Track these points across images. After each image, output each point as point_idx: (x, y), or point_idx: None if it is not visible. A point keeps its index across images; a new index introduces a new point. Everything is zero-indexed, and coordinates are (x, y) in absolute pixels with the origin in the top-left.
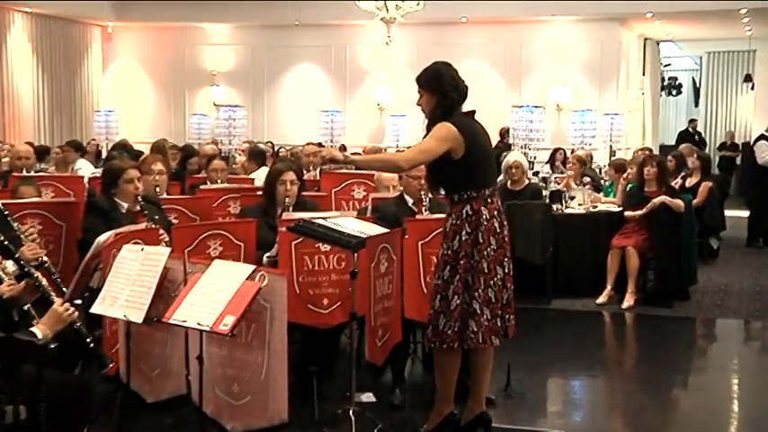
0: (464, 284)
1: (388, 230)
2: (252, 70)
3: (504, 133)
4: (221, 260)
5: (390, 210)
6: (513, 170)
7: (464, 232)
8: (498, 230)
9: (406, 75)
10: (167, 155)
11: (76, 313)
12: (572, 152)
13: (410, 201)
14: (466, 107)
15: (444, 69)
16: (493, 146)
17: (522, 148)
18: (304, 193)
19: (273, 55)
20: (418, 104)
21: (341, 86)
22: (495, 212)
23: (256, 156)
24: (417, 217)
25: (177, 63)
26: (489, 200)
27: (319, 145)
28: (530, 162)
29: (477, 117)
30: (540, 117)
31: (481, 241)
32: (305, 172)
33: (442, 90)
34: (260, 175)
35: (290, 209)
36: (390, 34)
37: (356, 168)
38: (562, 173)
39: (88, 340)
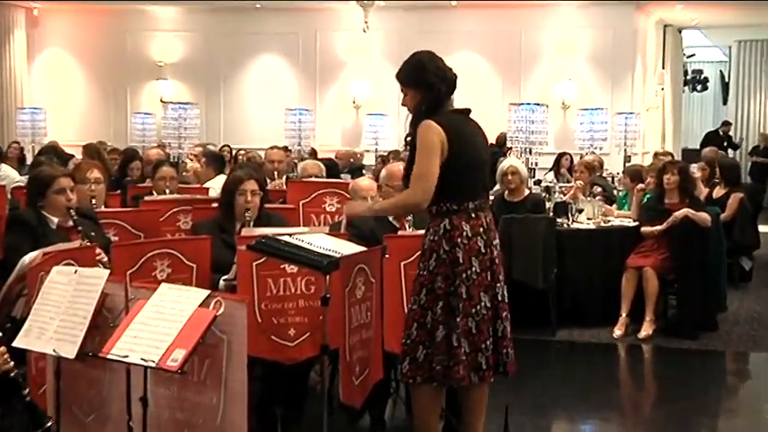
0: (447, 312)
1: (365, 249)
2: (205, 61)
3: (503, 142)
4: (169, 284)
5: (368, 225)
6: (510, 177)
7: (441, 251)
8: (483, 251)
9: (386, 68)
10: (105, 160)
11: (12, 362)
12: (580, 157)
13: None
14: (458, 104)
15: (428, 59)
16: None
17: (521, 152)
18: (267, 206)
19: (231, 44)
20: (403, 105)
21: (310, 81)
22: (481, 229)
23: (213, 161)
24: (399, 233)
25: (117, 52)
26: (473, 214)
27: (285, 149)
28: (530, 169)
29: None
30: (542, 117)
31: (461, 262)
32: (268, 180)
33: (426, 83)
34: (216, 185)
35: (251, 224)
36: (368, 20)
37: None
38: (568, 181)
39: (25, 392)
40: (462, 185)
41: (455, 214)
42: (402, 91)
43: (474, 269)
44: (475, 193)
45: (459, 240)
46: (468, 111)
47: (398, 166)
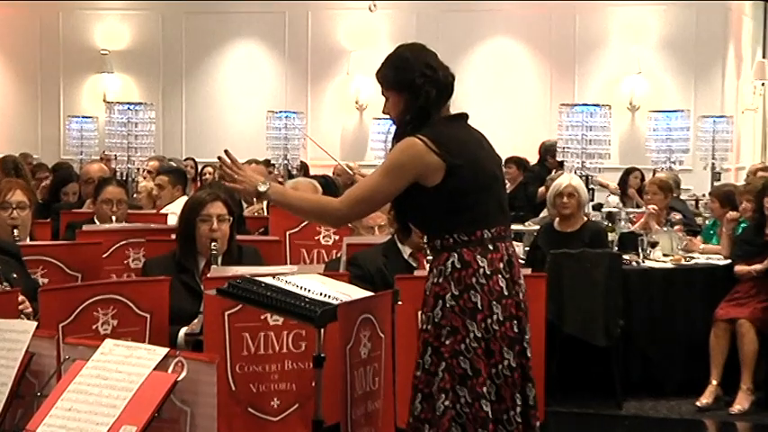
0: (453, 376)
1: (371, 294)
2: (163, 50)
3: (547, 151)
4: (116, 340)
5: (375, 263)
6: (565, 200)
7: (449, 296)
8: (506, 292)
9: None
10: (28, 177)
11: None
12: (652, 174)
13: (405, 249)
14: (492, 106)
15: (414, 54)
16: (530, 166)
17: (574, 168)
18: (241, 237)
19: (196, 27)
20: (384, 113)
21: (300, 75)
22: (501, 264)
23: (175, 178)
24: (416, 273)
25: (47, 38)
26: (491, 245)
27: (267, 164)
28: (588, 189)
29: (508, 120)
30: (603, 121)
31: (480, 308)
32: (244, 204)
33: (410, 85)
34: (177, 209)
35: (219, 260)
36: None
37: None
38: (638, 206)
39: None
40: (472, 210)
41: (465, 247)
42: (383, 94)
43: (496, 317)
44: (490, 217)
45: (473, 280)
46: (465, 116)
47: None
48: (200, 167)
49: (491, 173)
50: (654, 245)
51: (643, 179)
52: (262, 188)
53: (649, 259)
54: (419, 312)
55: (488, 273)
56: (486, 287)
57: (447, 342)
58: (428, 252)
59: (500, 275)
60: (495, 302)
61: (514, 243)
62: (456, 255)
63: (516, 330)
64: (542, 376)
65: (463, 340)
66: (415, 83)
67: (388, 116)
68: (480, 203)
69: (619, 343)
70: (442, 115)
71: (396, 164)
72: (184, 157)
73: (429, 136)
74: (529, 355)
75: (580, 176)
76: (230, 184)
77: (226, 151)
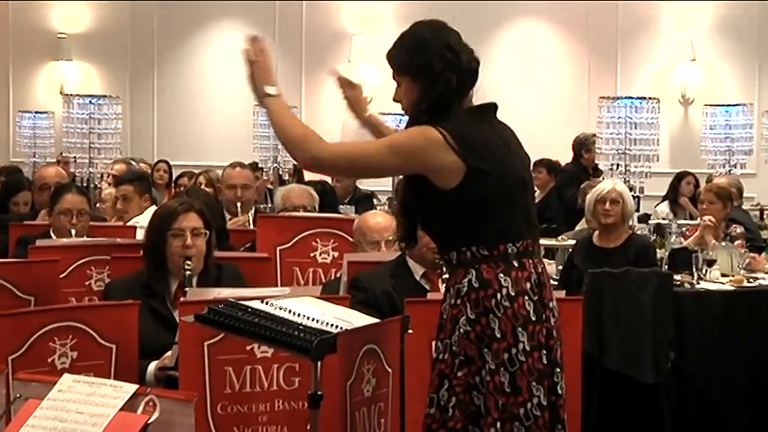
0: (466, 415)
1: (376, 321)
2: (131, 34)
3: (582, 145)
4: (76, 375)
5: (382, 285)
6: (608, 207)
7: (463, 319)
8: (534, 317)
9: None
10: None
11: None
12: (708, 180)
13: (417, 269)
14: (519, 97)
15: (433, 33)
16: (561, 167)
17: (615, 172)
18: (227, 254)
19: (170, 8)
20: (395, 101)
21: (293, 64)
22: (528, 284)
23: (141, 186)
24: (429, 296)
25: None
26: (516, 262)
27: (254, 168)
28: (634, 197)
29: (538, 117)
30: (650, 117)
31: (498, 336)
32: (228, 216)
33: (427, 70)
34: (147, 221)
35: (194, 281)
36: None
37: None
38: (692, 217)
39: None
40: (495, 220)
41: (485, 263)
42: (394, 79)
43: (522, 346)
44: (516, 230)
45: (492, 303)
46: (494, 107)
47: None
48: (174, 172)
49: (519, 178)
50: (711, 263)
51: (697, 185)
52: (269, 90)
53: (705, 280)
54: (433, 342)
55: (512, 294)
56: (509, 311)
57: (459, 374)
58: (443, 269)
59: (526, 297)
60: (520, 329)
61: (546, 261)
62: (474, 272)
63: (546, 362)
64: (579, 418)
65: (478, 372)
66: (433, 67)
67: (398, 104)
68: (505, 213)
69: (669, 379)
70: (464, 107)
71: (405, 143)
72: (156, 160)
73: (449, 130)
74: (560, 391)
75: (624, 182)
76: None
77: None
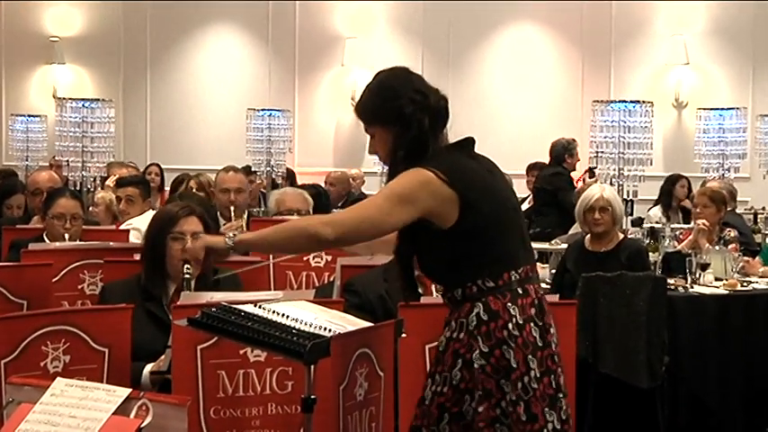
0: None
1: (370, 324)
2: (124, 37)
3: (565, 149)
4: (68, 379)
5: (376, 289)
6: (597, 215)
7: (476, 354)
8: (541, 342)
9: (401, 49)
10: None
11: None
12: (702, 184)
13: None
14: (512, 101)
15: (398, 79)
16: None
17: (609, 177)
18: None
19: (163, 11)
20: (372, 153)
21: (286, 67)
22: (533, 310)
23: (145, 190)
24: (423, 301)
25: None
26: (520, 289)
27: (247, 171)
28: (626, 201)
29: (531, 120)
30: (644, 121)
31: (514, 366)
32: (221, 219)
33: (399, 115)
34: (142, 225)
35: (192, 285)
36: None
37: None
38: (686, 221)
39: None
40: (495, 249)
41: (492, 294)
42: (366, 131)
43: (533, 373)
44: (516, 256)
45: (504, 334)
46: (472, 142)
47: None
48: (166, 175)
49: (509, 203)
50: (704, 267)
51: (690, 189)
52: (228, 242)
53: (699, 284)
54: (426, 345)
55: (521, 322)
56: (519, 339)
57: (480, 409)
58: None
59: (532, 324)
60: (530, 356)
61: (539, 265)
62: (481, 305)
63: (554, 387)
64: (574, 424)
65: (498, 404)
66: (404, 112)
67: (375, 156)
68: (502, 241)
69: (664, 384)
70: (441, 145)
71: (405, 190)
72: (148, 163)
73: (436, 166)
74: (564, 417)
75: (618, 186)
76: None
77: None
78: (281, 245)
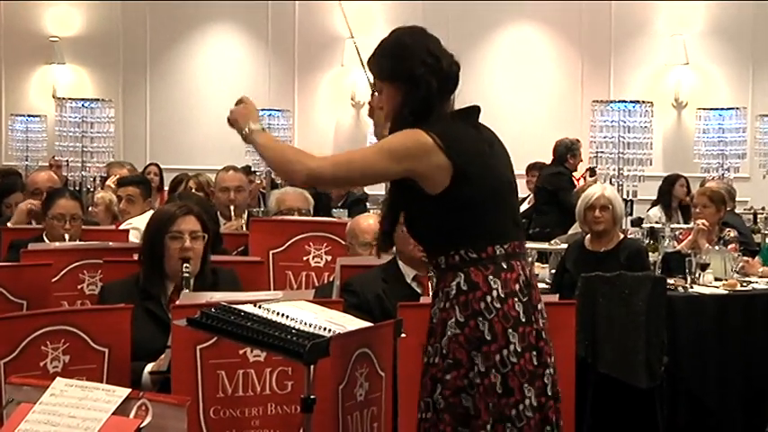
0: (455, 417)
1: (369, 324)
2: (123, 37)
3: (568, 149)
4: (68, 379)
5: (373, 288)
6: (598, 214)
7: (452, 322)
8: (524, 318)
9: None
10: None
11: None
12: (702, 184)
13: (408, 272)
14: (512, 100)
15: (413, 39)
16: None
17: (609, 176)
18: (220, 258)
19: (162, 11)
20: (375, 108)
21: (286, 67)
22: (517, 286)
23: (146, 190)
24: (422, 300)
25: None
26: (505, 264)
27: (246, 171)
28: (626, 201)
29: (531, 120)
30: (644, 121)
31: (488, 338)
32: (221, 219)
33: (410, 75)
34: (142, 225)
35: (191, 284)
36: None
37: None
38: (686, 221)
39: None
40: (483, 222)
41: (474, 265)
42: (372, 87)
43: (513, 347)
44: (504, 232)
45: (481, 306)
46: (477, 110)
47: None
48: (165, 175)
49: (505, 178)
50: (704, 267)
51: (689, 189)
52: (254, 126)
53: (699, 284)
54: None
55: (502, 296)
56: (500, 312)
57: (448, 377)
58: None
59: (516, 299)
60: (511, 330)
61: (539, 265)
62: (463, 275)
63: (536, 363)
64: (572, 423)
65: (466, 375)
66: (415, 73)
67: (371, 115)
68: (492, 215)
69: (663, 383)
70: (446, 111)
71: (398, 145)
72: (147, 163)
73: (437, 132)
74: (549, 392)
75: (617, 186)
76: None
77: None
78: (275, 166)
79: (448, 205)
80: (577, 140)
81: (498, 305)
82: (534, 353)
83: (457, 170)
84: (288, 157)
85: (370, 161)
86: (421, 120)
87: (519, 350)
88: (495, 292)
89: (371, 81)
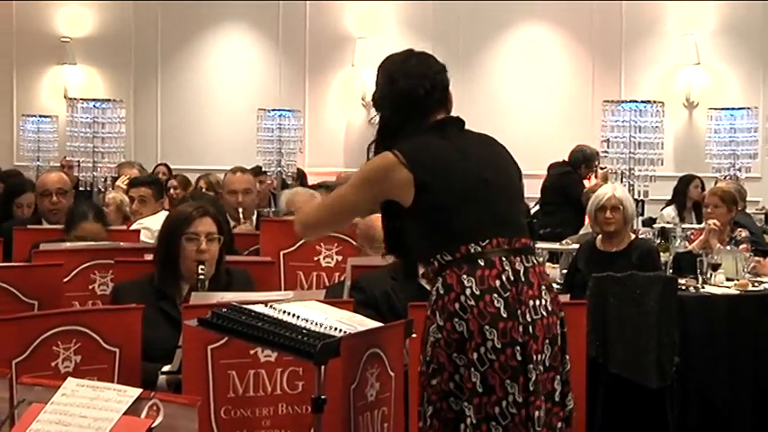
0: (444, 423)
1: (380, 324)
2: (135, 38)
3: (586, 158)
4: (79, 379)
5: (382, 285)
6: (609, 214)
7: (433, 327)
8: (505, 313)
9: (414, 46)
10: None
11: None
12: (715, 183)
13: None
14: (523, 99)
15: (382, 67)
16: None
17: (621, 176)
18: (231, 258)
19: (173, 11)
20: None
21: (296, 67)
22: (498, 282)
23: (158, 190)
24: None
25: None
26: (481, 261)
27: (257, 171)
28: (637, 201)
29: (541, 120)
30: (655, 121)
31: (466, 337)
32: (231, 220)
33: (376, 101)
34: (153, 225)
35: (206, 285)
36: None
37: None
38: (699, 221)
39: None
40: (450, 225)
41: (449, 267)
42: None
43: (491, 344)
44: (480, 230)
45: (455, 307)
46: (455, 120)
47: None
48: (174, 176)
49: (480, 179)
50: (715, 267)
51: (702, 189)
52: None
53: (710, 284)
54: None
55: (477, 293)
56: (475, 310)
57: (433, 382)
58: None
59: (495, 295)
60: (488, 327)
61: (550, 265)
62: (441, 279)
63: (519, 359)
64: (583, 423)
65: (452, 378)
66: (375, 99)
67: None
68: (463, 216)
69: (674, 384)
70: (418, 125)
71: (363, 174)
72: (157, 163)
73: (400, 149)
74: (531, 388)
75: (628, 186)
76: None
77: None
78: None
79: (418, 215)
80: (597, 153)
81: (473, 302)
82: (518, 348)
83: (417, 181)
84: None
85: (347, 196)
86: (387, 141)
87: (499, 346)
88: (468, 290)
89: None
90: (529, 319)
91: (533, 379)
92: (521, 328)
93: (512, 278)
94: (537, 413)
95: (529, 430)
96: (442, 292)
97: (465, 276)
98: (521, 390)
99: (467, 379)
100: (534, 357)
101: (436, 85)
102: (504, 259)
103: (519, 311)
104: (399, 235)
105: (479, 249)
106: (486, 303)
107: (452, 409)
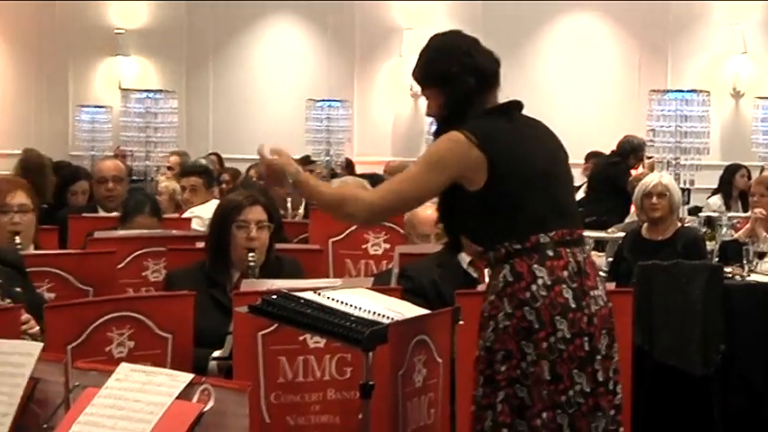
0: (512, 408)
1: (427, 312)
2: (187, 29)
3: (634, 149)
4: (132, 364)
5: (429, 274)
6: (655, 201)
7: (501, 315)
8: (574, 304)
9: None
10: (47, 178)
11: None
12: (761, 172)
13: (464, 257)
14: (568, 88)
15: (448, 41)
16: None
17: (667, 165)
18: (280, 246)
19: (224, 4)
20: (428, 115)
21: (345, 58)
22: (565, 273)
23: (209, 179)
24: (480, 288)
25: (51, 16)
26: (551, 251)
27: (306, 160)
28: (683, 190)
29: (588, 109)
30: (701, 110)
31: (537, 327)
32: (280, 209)
33: (446, 76)
34: (204, 213)
35: (256, 272)
36: None
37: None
38: (745, 210)
39: None
40: (522, 212)
41: (519, 256)
42: (423, 94)
43: (561, 334)
44: (547, 220)
45: (527, 295)
46: (514, 105)
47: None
48: (227, 165)
49: (540, 169)
50: (761, 255)
51: (749, 178)
52: (290, 179)
53: (756, 272)
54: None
55: (548, 283)
56: (546, 300)
57: (503, 369)
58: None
59: (564, 285)
60: (558, 317)
61: (595, 253)
62: (508, 266)
63: (587, 349)
64: (629, 409)
65: (518, 365)
66: (451, 72)
67: (431, 117)
68: (532, 204)
69: (719, 371)
70: (486, 107)
71: (436, 156)
72: (209, 152)
73: (471, 129)
74: (600, 378)
75: (674, 175)
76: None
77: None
78: (323, 207)
79: (488, 200)
80: (644, 143)
81: (545, 293)
82: (586, 338)
83: (491, 164)
84: (345, 197)
85: (417, 180)
86: (459, 119)
87: (568, 336)
88: (540, 281)
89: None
90: (593, 310)
91: (600, 371)
92: (586, 319)
93: (575, 269)
94: (605, 404)
95: (595, 420)
96: (511, 279)
97: (536, 266)
98: (588, 380)
99: (535, 367)
100: (599, 348)
101: (498, 68)
102: (569, 250)
103: (584, 302)
104: (455, 217)
105: (548, 240)
106: (556, 294)
107: (517, 396)
